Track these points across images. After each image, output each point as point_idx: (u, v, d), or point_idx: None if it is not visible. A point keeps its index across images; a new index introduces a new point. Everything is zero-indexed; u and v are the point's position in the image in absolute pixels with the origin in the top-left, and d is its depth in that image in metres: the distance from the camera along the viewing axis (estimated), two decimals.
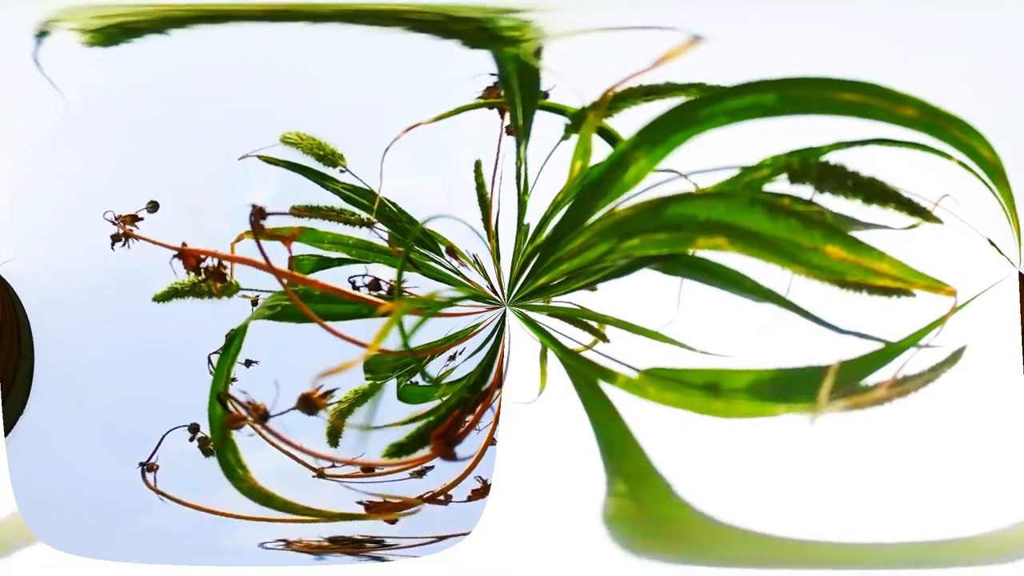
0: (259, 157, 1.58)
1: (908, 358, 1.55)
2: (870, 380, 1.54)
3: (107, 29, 1.57)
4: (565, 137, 1.57)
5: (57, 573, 1.53)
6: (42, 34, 1.57)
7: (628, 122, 1.56)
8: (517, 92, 1.57)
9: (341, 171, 1.59)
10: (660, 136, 1.55)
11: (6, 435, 1.57)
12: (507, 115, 1.58)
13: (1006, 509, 1.55)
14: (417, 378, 1.60)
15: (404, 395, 1.59)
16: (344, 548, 1.57)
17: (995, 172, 1.55)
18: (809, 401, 1.54)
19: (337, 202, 1.60)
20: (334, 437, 1.58)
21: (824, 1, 1.56)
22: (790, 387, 1.54)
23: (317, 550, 1.57)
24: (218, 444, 1.58)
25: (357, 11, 1.56)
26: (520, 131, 1.57)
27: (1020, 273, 1.57)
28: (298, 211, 1.59)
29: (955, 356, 1.56)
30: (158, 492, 1.57)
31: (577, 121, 1.57)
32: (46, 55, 1.57)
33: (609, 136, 1.56)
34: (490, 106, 1.58)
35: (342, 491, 1.59)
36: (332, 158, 1.59)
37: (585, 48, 1.57)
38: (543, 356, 1.59)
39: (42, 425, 1.58)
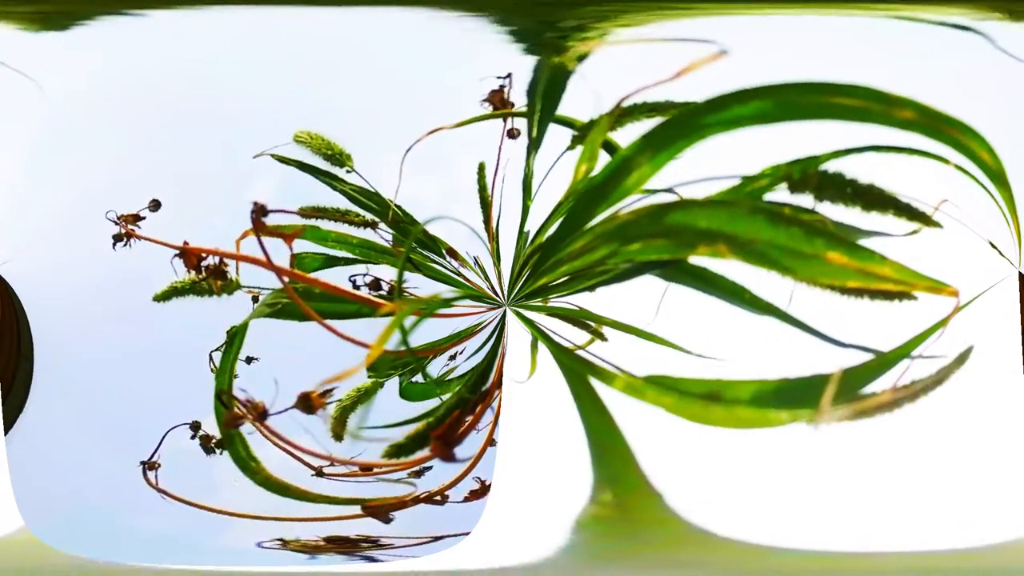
0: (271, 156, 1.58)
1: (910, 364, 1.54)
2: (874, 387, 1.54)
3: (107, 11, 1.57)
4: (571, 147, 1.57)
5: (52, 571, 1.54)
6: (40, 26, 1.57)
7: (629, 138, 1.55)
8: (539, 102, 1.56)
9: (348, 171, 1.59)
10: (663, 142, 1.54)
11: (6, 435, 1.57)
12: (509, 120, 1.58)
13: (1007, 518, 1.55)
14: (418, 377, 1.61)
15: (407, 392, 1.60)
16: (339, 548, 1.58)
17: (994, 173, 1.54)
18: (812, 409, 1.54)
19: (342, 202, 1.60)
20: (337, 434, 1.58)
21: (826, 14, 1.55)
22: (793, 396, 1.54)
23: (312, 550, 1.57)
24: (225, 440, 1.58)
25: None
26: (533, 141, 1.57)
27: (1020, 273, 1.56)
28: (304, 212, 1.59)
29: (961, 359, 1.55)
30: (159, 490, 1.58)
31: (585, 131, 1.56)
32: (45, 53, 1.57)
33: (611, 148, 1.56)
34: (505, 116, 1.57)
35: (340, 490, 1.60)
36: (340, 158, 1.59)
37: (597, 58, 1.56)
38: (534, 345, 1.59)
39: (42, 425, 1.58)
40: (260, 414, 1.59)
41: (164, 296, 1.58)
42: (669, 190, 1.53)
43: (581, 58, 1.56)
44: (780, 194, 1.53)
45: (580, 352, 1.58)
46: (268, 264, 1.58)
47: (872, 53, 1.54)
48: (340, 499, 1.59)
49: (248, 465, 1.59)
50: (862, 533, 1.55)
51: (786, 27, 1.55)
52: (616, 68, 1.56)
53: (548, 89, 1.57)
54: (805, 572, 1.53)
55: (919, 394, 1.55)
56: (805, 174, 1.52)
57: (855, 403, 1.54)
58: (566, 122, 1.57)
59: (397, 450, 1.59)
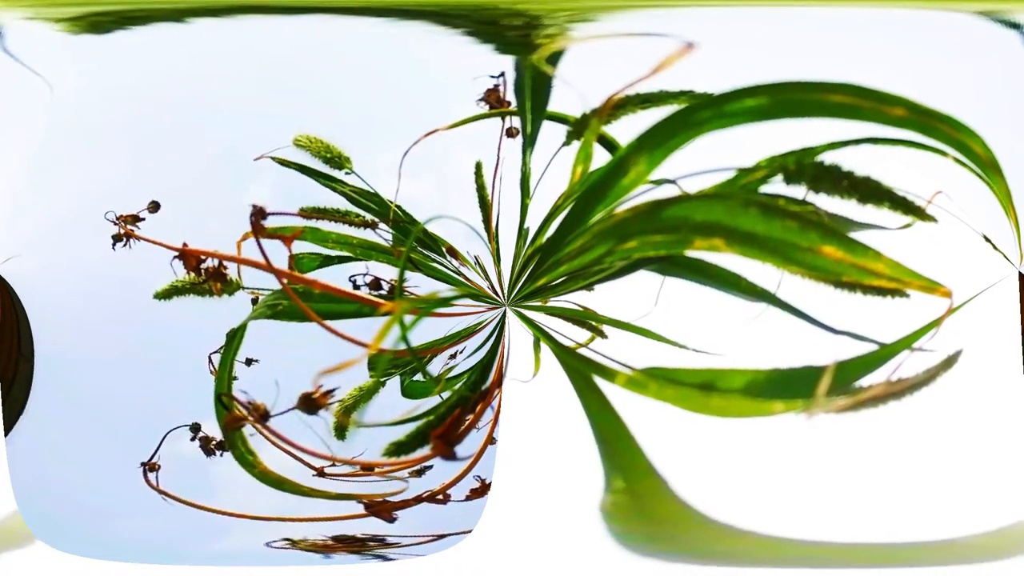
0: (272, 159, 1.58)
1: (903, 359, 1.55)
2: (866, 380, 1.55)
3: (108, 18, 1.58)
4: (566, 143, 1.58)
5: (55, 573, 1.54)
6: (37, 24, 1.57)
7: (623, 129, 1.57)
8: (529, 99, 1.58)
9: (347, 173, 1.60)
10: (658, 141, 1.55)
11: (6, 435, 1.57)
12: (508, 119, 1.59)
13: (1004, 510, 1.56)
14: (418, 376, 1.61)
15: (409, 390, 1.60)
16: (349, 547, 1.57)
17: (989, 167, 1.55)
18: (806, 400, 1.55)
19: (342, 204, 1.61)
20: (341, 431, 1.58)
21: (813, 9, 1.57)
22: (787, 386, 1.55)
23: (323, 549, 1.57)
24: (227, 438, 1.58)
25: (375, 5, 1.57)
26: (527, 138, 1.58)
27: (1020, 273, 1.57)
28: (305, 213, 1.60)
29: (952, 359, 1.56)
30: (160, 491, 1.57)
31: (579, 128, 1.58)
32: (46, 53, 1.57)
33: (607, 143, 1.57)
34: (502, 115, 1.58)
35: (341, 490, 1.60)
36: (339, 161, 1.60)
37: (583, 56, 1.58)
38: (536, 345, 1.60)
39: (42, 425, 1.58)
40: (261, 415, 1.58)
41: (165, 294, 1.58)
42: (672, 182, 1.54)
43: (556, 55, 1.58)
44: (776, 186, 1.55)
45: (580, 349, 1.59)
46: (267, 266, 1.59)
47: (870, 46, 1.56)
48: (342, 495, 1.59)
49: (246, 460, 1.59)
50: (862, 524, 1.56)
51: (780, 20, 1.57)
52: (605, 62, 1.57)
53: (535, 87, 1.58)
54: (799, 560, 1.54)
55: (912, 390, 1.56)
56: (800, 165, 1.53)
57: (849, 395, 1.55)
58: (559, 118, 1.59)
59: (398, 448, 1.59)
